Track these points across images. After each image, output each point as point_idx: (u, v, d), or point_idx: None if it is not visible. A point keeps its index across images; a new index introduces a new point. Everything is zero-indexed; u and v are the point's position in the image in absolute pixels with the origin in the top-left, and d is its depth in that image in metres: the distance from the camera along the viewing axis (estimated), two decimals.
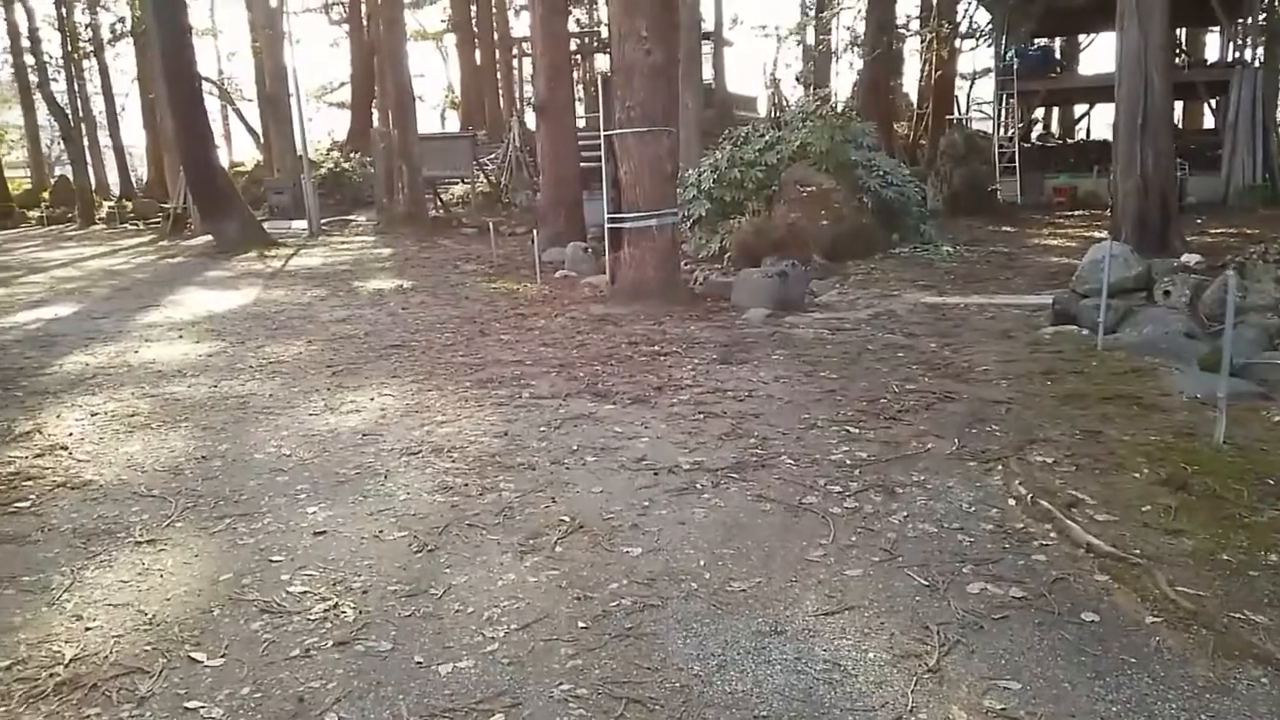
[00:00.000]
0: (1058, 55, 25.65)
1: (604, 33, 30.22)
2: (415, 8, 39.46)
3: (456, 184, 25.91)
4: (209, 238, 16.91)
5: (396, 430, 4.68)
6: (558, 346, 6.78)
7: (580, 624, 2.62)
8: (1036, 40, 23.16)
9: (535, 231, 13.57)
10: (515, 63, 35.62)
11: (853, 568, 2.94)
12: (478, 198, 24.12)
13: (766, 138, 12.78)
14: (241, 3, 31.69)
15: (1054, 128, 31.73)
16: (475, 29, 34.86)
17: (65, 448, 4.48)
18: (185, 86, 16.31)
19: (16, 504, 3.71)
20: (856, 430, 4.43)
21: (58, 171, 34.76)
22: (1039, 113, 28.45)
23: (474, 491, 3.73)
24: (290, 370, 6.19)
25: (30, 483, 3.97)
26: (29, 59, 29.85)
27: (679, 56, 12.14)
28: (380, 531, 3.34)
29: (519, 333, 7.43)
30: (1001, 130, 21.26)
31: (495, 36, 35.08)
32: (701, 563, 3.00)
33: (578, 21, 33.10)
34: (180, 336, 7.62)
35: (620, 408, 4.98)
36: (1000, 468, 3.84)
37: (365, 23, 33.14)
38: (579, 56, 28.48)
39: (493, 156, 26.34)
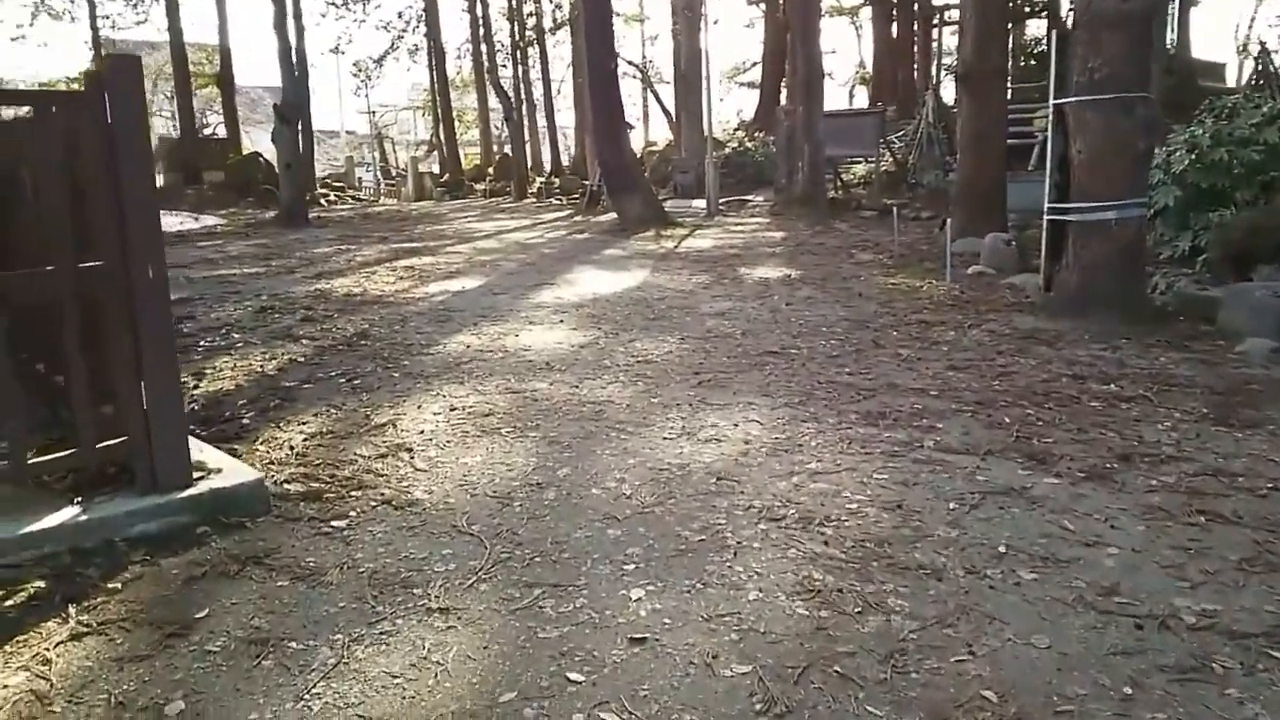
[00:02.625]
0: None
1: None
2: None
3: (859, 163, 24.61)
4: (615, 215, 17.42)
5: (759, 476, 3.71)
6: (973, 372, 5.38)
7: None
8: None
9: (946, 218, 12.02)
10: (935, 33, 33.21)
11: None
12: (881, 178, 22.60)
13: (1264, 109, 9.91)
14: None
15: None
16: None
17: (410, 450, 4.13)
18: (603, 71, 16.83)
19: (334, 521, 3.31)
20: None
21: (505, 149, 39.05)
22: None
23: (850, 605, 2.63)
24: (655, 374, 5.51)
25: (359, 493, 3.59)
26: (484, 48, 33.49)
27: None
28: (715, 656, 2.37)
29: (921, 347, 6.12)
30: None
31: (915, 6, 32.86)
32: None
33: None
34: (561, 321, 7.37)
35: (1068, 485, 3.56)
36: None
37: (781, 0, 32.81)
38: (1009, 22, 25.48)
39: (900, 134, 24.60)
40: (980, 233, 10.99)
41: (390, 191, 37.53)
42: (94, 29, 27.46)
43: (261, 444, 4.26)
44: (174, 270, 11.22)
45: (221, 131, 33.62)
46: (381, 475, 3.80)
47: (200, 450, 3.67)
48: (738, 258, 11.64)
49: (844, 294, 8.42)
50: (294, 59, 30.55)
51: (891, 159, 22.51)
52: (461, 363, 5.88)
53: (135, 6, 28.70)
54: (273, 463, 3.98)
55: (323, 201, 29.26)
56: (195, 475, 3.41)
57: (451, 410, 4.77)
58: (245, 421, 4.68)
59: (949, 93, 29.36)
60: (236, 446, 4.15)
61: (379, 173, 40.66)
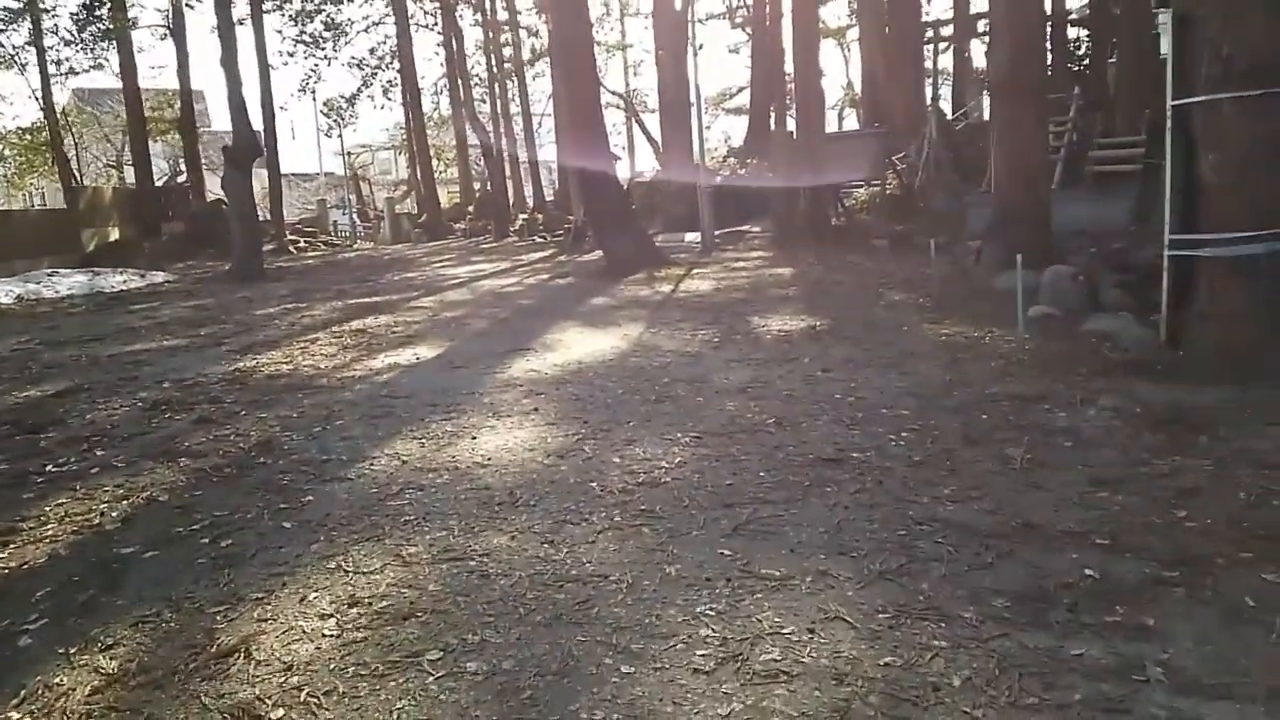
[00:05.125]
0: None
1: None
2: (820, 3, 37.20)
3: (859, 188, 23.12)
4: (602, 254, 15.79)
5: None
6: (1133, 491, 3.64)
7: None
8: None
9: (979, 246, 10.54)
10: (929, 49, 31.96)
11: None
12: (887, 203, 21.05)
13: None
14: (649, 15, 31.69)
15: None
16: (887, 16, 31.60)
17: None
18: (583, 99, 15.24)
19: None
20: None
21: (486, 186, 37.44)
22: None
23: None
24: (667, 507, 3.77)
25: None
26: (459, 83, 32.04)
27: None
28: None
29: (1033, 442, 4.39)
30: None
31: (907, 22, 31.59)
32: None
33: None
34: (534, 410, 5.63)
35: None
36: None
37: (768, 24, 31.51)
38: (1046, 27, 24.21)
39: (902, 155, 23.12)
40: (1029, 263, 9.34)
41: (368, 235, 35.90)
42: (44, 74, 25.76)
43: (16, 708, 2.50)
44: (81, 346, 9.50)
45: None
46: None
47: None
48: (747, 303, 9.95)
49: (892, 353, 6.72)
50: (260, 99, 29.03)
51: (899, 182, 20.98)
52: (388, 497, 4.12)
53: (88, 50, 27.01)
54: None
55: (292, 249, 27.56)
56: None
57: (350, 607, 3.01)
58: (25, 641, 2.92)
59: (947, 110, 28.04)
60: None
61: (355, 215, 39.03)
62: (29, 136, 29.64)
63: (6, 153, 30.03)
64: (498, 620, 2.86)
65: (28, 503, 4.33)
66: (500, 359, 7.43)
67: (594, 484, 4.12)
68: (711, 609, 2.85)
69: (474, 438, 5.03)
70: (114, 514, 4.09)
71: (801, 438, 4.67)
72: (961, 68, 33.53)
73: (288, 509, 4.02)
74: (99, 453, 5.15)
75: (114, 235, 24.85)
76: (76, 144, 29.96)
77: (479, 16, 34.34)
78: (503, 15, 33.69)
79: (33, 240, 20.58)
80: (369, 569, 3.30)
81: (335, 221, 37.10)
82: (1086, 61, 26.49)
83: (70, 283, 16.52)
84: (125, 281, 17.25)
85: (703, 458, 4.43)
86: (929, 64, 34.08)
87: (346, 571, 3.29)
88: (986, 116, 26.73)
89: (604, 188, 14.87)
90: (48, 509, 4.21)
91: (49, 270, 17.79)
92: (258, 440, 5.22)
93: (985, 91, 27.43)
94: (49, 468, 4.91)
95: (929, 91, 33.06)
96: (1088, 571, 2.96)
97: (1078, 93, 18.28)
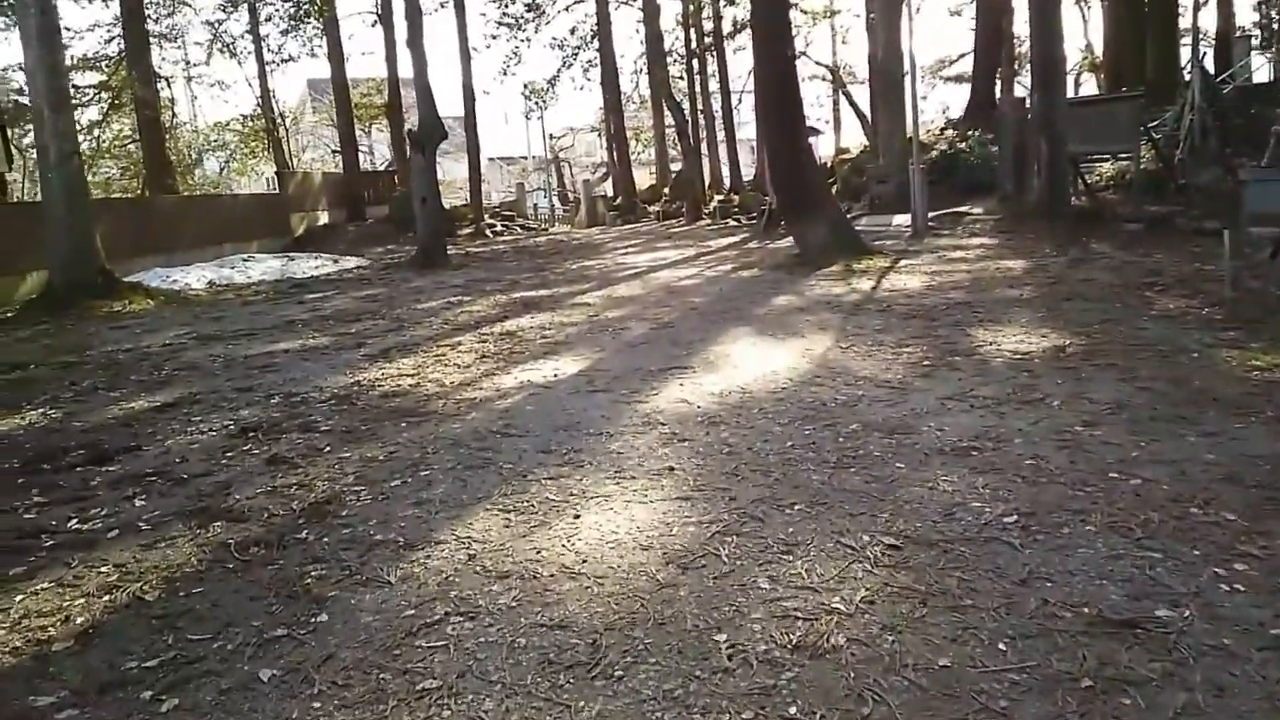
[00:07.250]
0: None
1: None
2: None
3: (1103, 162, 19.91)
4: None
5: None
6: None
7: None
8: None
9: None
10: (1185, 5, 27.49)
11: None
12: (1140, 179, 17.88)
13: None
14: None
15: None
16: None
17: None
18: (776, 66, 13.51)
19: None
20: None
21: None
22: None
23: None
24: (836, 706, 2.23)
25: None
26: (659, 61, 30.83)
27: None
28: None
29: None
30: None
31: None
32: None
33: None
34: (669, 469, 4.20)
35: None
36: None
37: None
38: None
39: (1157, 124, 19.65)
40: None
41: (566, 217, 35.72)
42: (260, 63, 27.01)
43: None
44: (229, 343, 9.00)
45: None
46: None
47: None
48: (967, 308, 8.04)
49: (1182, 396, 4.75)
50: (461, 83, 29.22)
51: (1157, 155, 17.75)
52: (421, 628, 2.82)
53: (302, 38, 28.02)
54: None
55: (488, 232, 27.58)
56: None
57: None
58: None
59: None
60: None
61: (554, 198, 39.02)
62: (250, 123, 31.39)
63: (229, 139, 31.97)
64: None
65: (7, 585, 3.40)
66: (649, 381, 6.05)
67: (721, 637, 2.64)
68: None
69: (577, 516, 3.67)
70: (79, 621, 3.05)
71: (1064, 563, 2.97)
72: (1225, 25, 28.83)
73: (283, 638, 2.81)
74: (138, 503, 4.23)
75: (322, 219, 25.67)
76: (288, 130, 31.40)
77: None
78: None
79: (244, 224, 21.37)
80: None
81: (535, 204, 37.21)
82: None
83: (263, 268, 16.77)
84: (317, 267, 17.36)
85: (900, 595, 2.84)
86: (1184, 23, 29.49)
87: None
88: (1256, 80, 22.57)
89: (796, 167, 13.13)
90: (18, 599, 3.25)
91: (246, 255, 18.24)
92: (317, 498, 4.11)
93: (1256, 50, 23.28)
94: (72, 523, 4.03)
95: (1183, 53, 28.61)
96: None
97: None
